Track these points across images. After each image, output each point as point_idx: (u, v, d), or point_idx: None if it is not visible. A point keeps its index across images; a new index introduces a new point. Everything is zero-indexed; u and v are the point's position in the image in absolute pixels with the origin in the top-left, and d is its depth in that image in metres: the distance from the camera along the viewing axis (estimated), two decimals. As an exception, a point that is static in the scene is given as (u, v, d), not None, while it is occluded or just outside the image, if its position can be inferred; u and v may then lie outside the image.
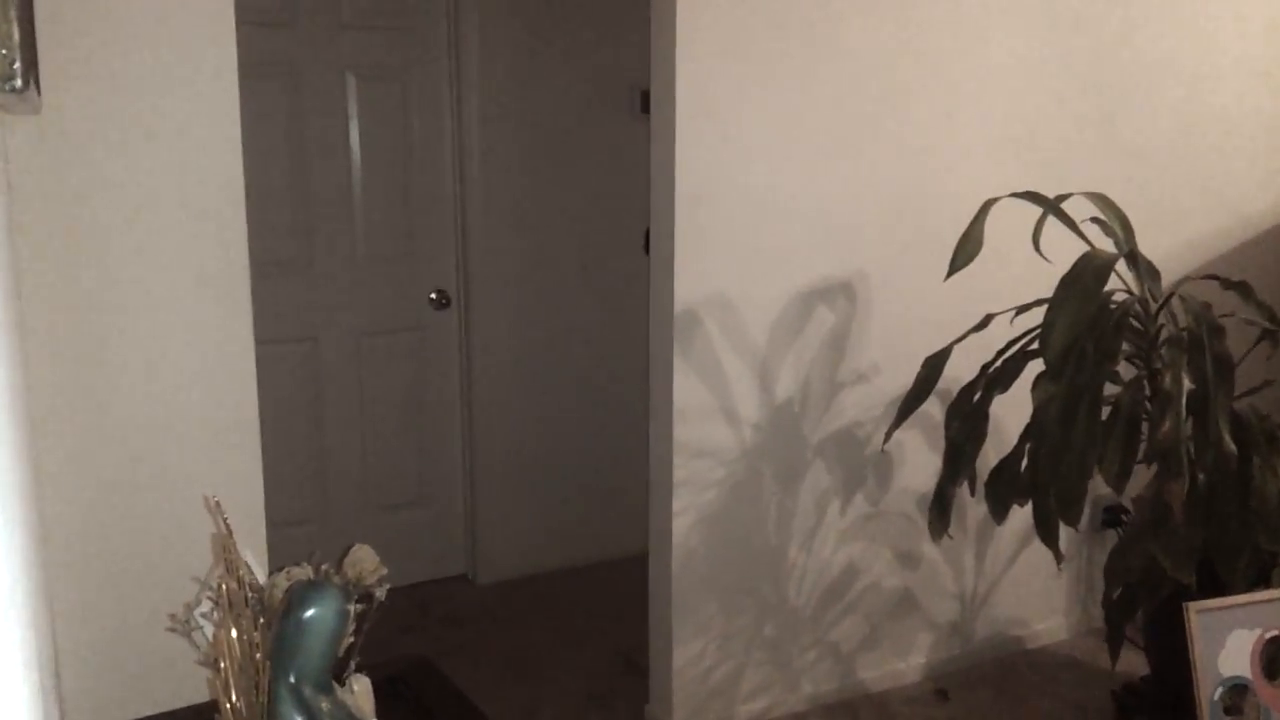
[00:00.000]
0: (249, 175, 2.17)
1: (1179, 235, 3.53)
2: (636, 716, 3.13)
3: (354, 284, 3.77)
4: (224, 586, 1.26)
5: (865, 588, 3.24)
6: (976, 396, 2.82)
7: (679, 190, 2.75)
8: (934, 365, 2.87)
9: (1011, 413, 2.89)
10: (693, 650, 3.00)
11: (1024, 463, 2.77)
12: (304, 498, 3.77)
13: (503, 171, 3.83)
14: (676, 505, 2.91)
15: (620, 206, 3.97)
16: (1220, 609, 2.52)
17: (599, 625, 3.71)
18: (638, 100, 3.89)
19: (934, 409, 3.01)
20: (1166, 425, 2.46)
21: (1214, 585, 2.60)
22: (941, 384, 2.86)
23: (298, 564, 1.38)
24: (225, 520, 1.33)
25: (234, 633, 1.25)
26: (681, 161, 2.74)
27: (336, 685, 1.31)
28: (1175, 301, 2.72)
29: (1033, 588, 3.54)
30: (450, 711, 1.75)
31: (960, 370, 2.86)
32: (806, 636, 3.17)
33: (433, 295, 3.90)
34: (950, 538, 3.04)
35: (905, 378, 2.92)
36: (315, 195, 3.66)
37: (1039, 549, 2.88)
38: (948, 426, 2.87)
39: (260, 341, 2.25)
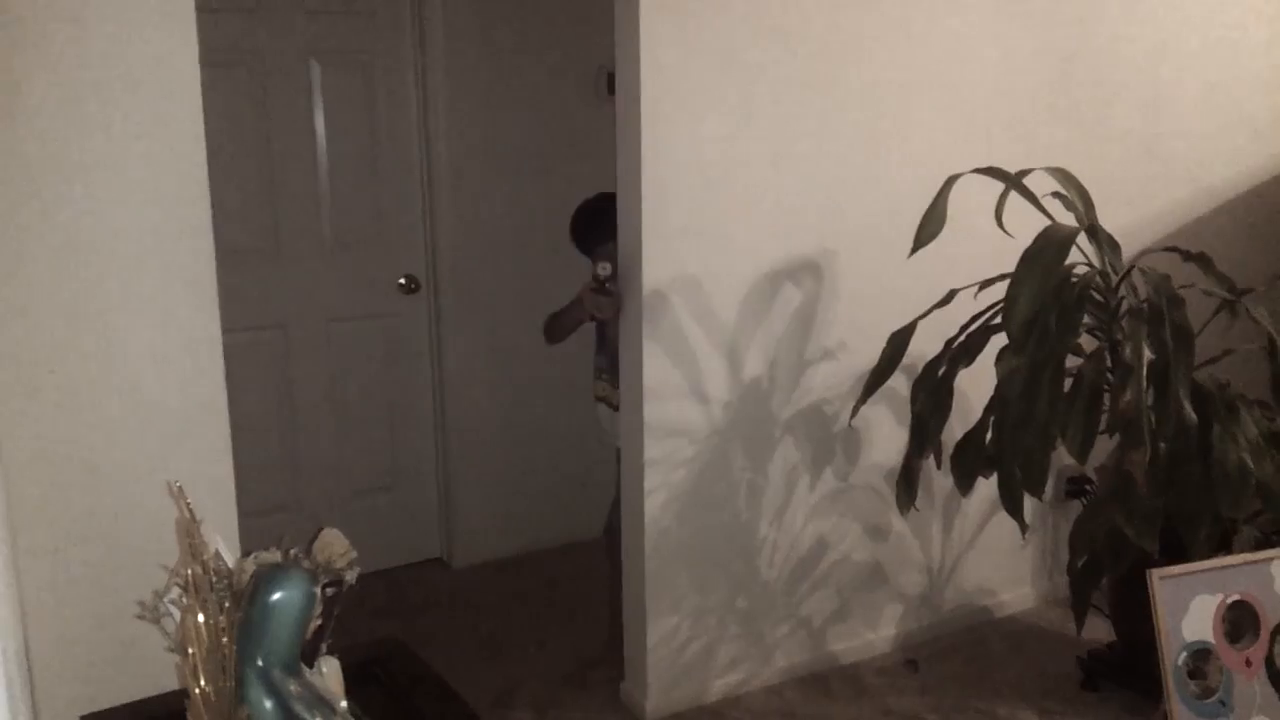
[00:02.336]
0: (213, 163, 2.17)
1: (1139, 208, 3.56)
2: (612, 695, 3.16)
3: (322, 270, 3.76)
4: (189, 572, 1.27)
5: (835, 561, 3.27)
6: (941, 371, 2.86)
7: (645, 171, 2.75)
8: (899, 341, 2.90)
9: (976, 386, 2.93)
10: (666, 627, 3.03)
11: (988, 435, 2.81)
12: (276, 485, 3.77)
13: (470, 154, 3.82)
14: (648, 484, 2.93)
15: (589, 187, 3.96)
16: (1183, 575, 2.56)
17: (574, 606, 3.73)
18: (604, 82, 3.88)
19: (900, 384, 3.05)
20: (1128, 396, 2.50)
21: (1177, 552, 2.65)
22: (907, 359, 2.90)
23: (266, 549, 1.39)
24: (188, 505, 1.34)
25: (200, 618, 1.26)
26: (647, 142, 2.74)
27: (306, 668, 1.32)
28: (1135, 274, 2.76)
29: (999, 558, 3.59)
30: (425, 694, 1.77)
31: (925, 345, 2.90)
32: (778, 610, 3.21)
33: (401, 280, 3.90)
34: (917, 510, 3.08)
35: (871, 354, 2.95)
36: (281, 182, 3.64)
37: (1005, 520, 2.93)
38: (913, 401, 2.91)
39: (228, 329, 2.25)
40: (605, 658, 3.27)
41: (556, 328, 3.22)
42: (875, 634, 3.40)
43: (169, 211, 2.12)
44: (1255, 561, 2.61)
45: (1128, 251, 2.96)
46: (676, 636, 3.05)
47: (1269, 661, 2.58)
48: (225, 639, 1.27)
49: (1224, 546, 2.72)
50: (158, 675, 1.90)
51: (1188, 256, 2.88)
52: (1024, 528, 2.84)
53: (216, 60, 3.24)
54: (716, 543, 3.07)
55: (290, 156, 3.64)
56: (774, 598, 3.19)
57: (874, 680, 3.25)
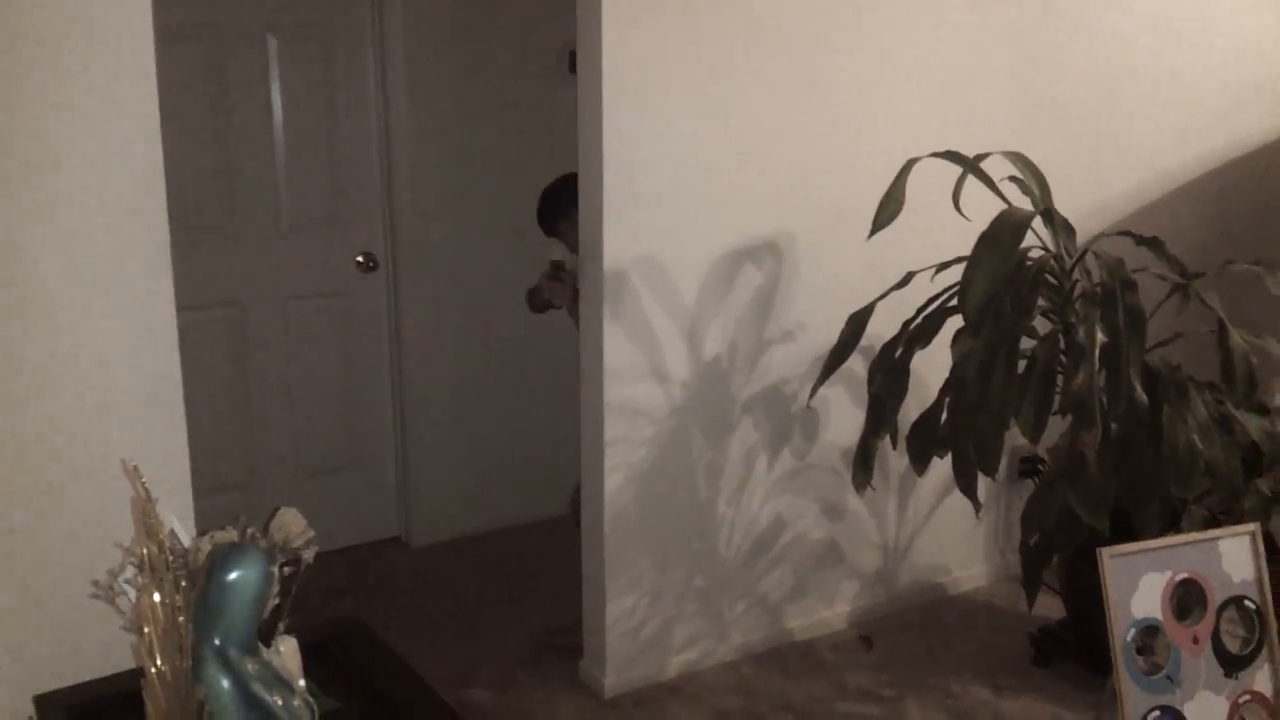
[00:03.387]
0: (168, 138, 2.14)
1: (1094, 193, 3.61)
2: (571, 673, 3.17)
3: (279, 248, 3.72)
4: (145, 551, 1.27)
5: (792, 540, 3.30)
6: (898, 352, 2.89)
7: (606, 151, 2.75)
8: (857, 322, 2.92)
9: (932, 368, 2.96)
10: (625, 605, 3.05)
11: (944, 416, 2.84)
12: (233, 465, 3.74)
13: (430, 132, 3.79)
14: (608, 464, 2.94)
15: (550, 167, 3.95)
16: (1132, 554, 2.61)
17: (533, 585, 3.74)
18: (566, 60, 3.87)
19: (858, 365, 3.07)
20: (1080, 377, 2.53)
21: (1126, 531, 2.70)
22: (865, 341, 2.92)
23: (222, 528, 1.38)
24: (144, 484, 1.33)
25: (157, 597, 1.25)
26: (609, 122, 2.74)
27: (263, 647, 1.32)
28: (1089, 257, 2.79)
29: (953, 536, 3.64)
30: (384, 673, 1.77)
31: (883, 327, 2.92)
32: (736, 588, 3.23)
33: (360, 259, 3.87)
34: (873, 489, 3.11)
35: (830, 335, 2.97)
36: (237, 158, 3.60)
37: (959, 499, 2.97)
38: (870, 382, 2.93)
39: (183, 308, 2.23)
40: (575, 632, 3.26)
41: (531, 304, 3.39)
42: (831, 611, 3.44)
43: (123, 187, 2.09)
44: (1203, 540, 2.66)
45: (1082, 235, 3.00)
46: (635, 615, 3.07)
47: (1215, 638, 2.63)
48: (182, 618, 1.27)
49: (1173, 526, 2.77)
50: (113, 655, 1.89)
51: (1141, 241, 2.92)
52: (977, 507, 2.88)
53: (172, 33, 3.19)
54: (675, 522, 3.08)
55: (247, 132, 3.60)
56: (732, 576, 3.22)
57: (829, 656, 3.29)
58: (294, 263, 3.76)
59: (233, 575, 1.22)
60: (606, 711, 3.00)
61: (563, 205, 3.05)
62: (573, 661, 3.18)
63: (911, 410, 2.97)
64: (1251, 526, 2.68)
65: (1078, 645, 3.16)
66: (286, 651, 1.41)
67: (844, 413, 3.27)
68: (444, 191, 3.86)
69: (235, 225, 3.63)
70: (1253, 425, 2.75)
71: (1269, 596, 2.65)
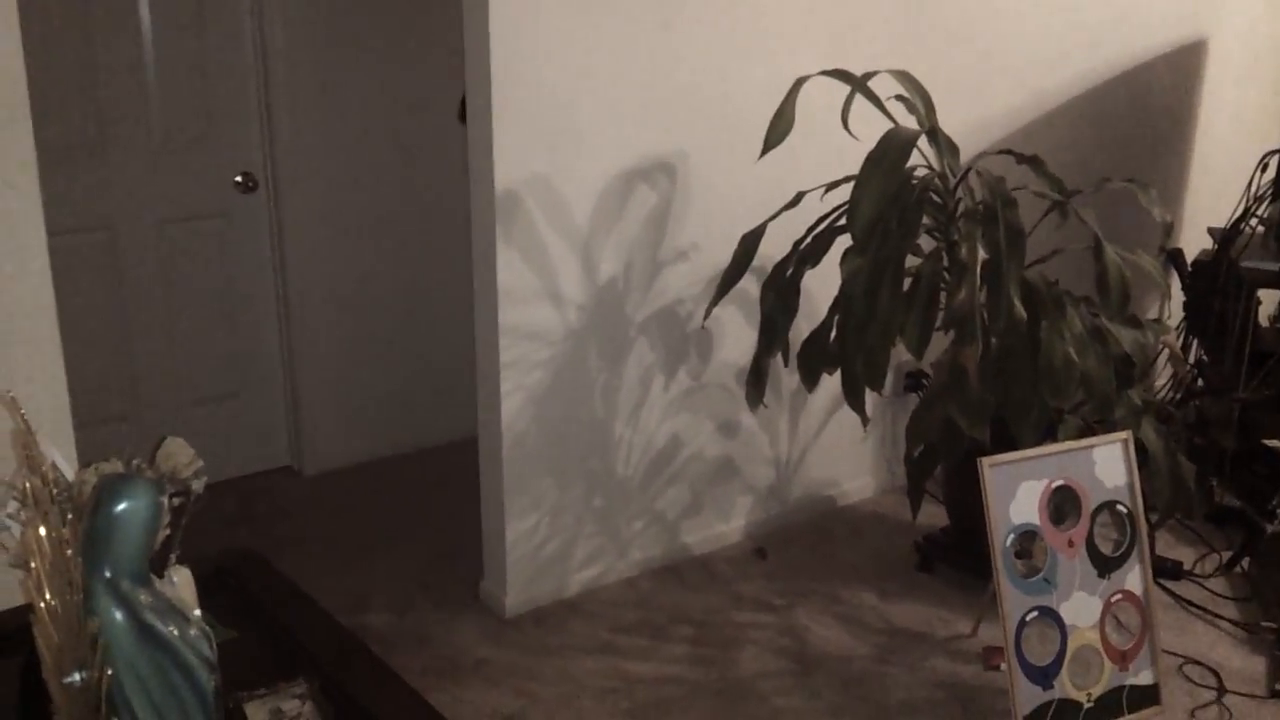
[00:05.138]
0: (29, 53, 2.02)
1: (977, 111, 3.67)
2: (471, 595, 3.19)
3: (151, 168, 3.57)
4: (27, 484, 1.23)
5: (688, 457, 3.35)
6: (789, 272, 2.92)
7: (495, 67, 2.69)
8: (750, 242, 2.95)
9: (822, 286, 3.01)
10: (525, 526, 3.07)
11: (833, 333, 2.90)
12: (114, 395, 3.62)
13: (308, 44, 3.65)
14: (504, 387, 2.93)
15: (437, 80, 3.86)
16: (1011, 463, 2.72)
17: (430, 509, 3.73)
18: (450, -27, 3.76)
19: (751, 285, 3.10)
20: (962, 294, 2.61)
21: (1006, 441, 2.81)
22: (757, 261, 2.95)
23: (107, 459, 1.34)
24: (23, 416, 1.28)
25: (42, 531, 1.22)
26: (496, 37, 2.67)
27: (156, 578, 1.29)
28: (972, 176, 2.86)
29: (842, 450, 3.73)
30: (279, 601, 1.75)
31: (774, 247, 2.95)
32: (634, 506, 3.28)
33: (238, 178, 3.73)
34: (766, 407, 3.17)
35: (723, 255, 2.99)
36: (104, 73, 3.42)
37: (847, 414, 3.05)
38: (763, 301, 2.97)
39: (52, 233, 2.13)
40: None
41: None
42: (726, 525, 3.51)
43: (-18, 105, 1.98)
44: (1078, 449, 2.78)
45: (965, 154, 3.05)
46: (535, 535, 3.10)
47: (1089, 541, 2.77)
48: (70, 551, 1.23)
49: (1050, 435, 2.89)
50: (-4, 592, 1.84)
51: (1021, 159, 2.99)
52: (865, 421, 2.96)
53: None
54: (573, 443, 3.10)
55: (112, 44, 3.41)
56: (630, 494, 3.26)
57: (724, 569, 3.37)
58: (168, 184, 3.61)
59: (120, 506, 1.19)
60: (507, 630, 3.03)
61: None
62: (472, 582, 3.20)
63: (802, 329, 3.02)
64: (1124, 435, 2.81)
65: (960, 551, 3.29)
66: (180, 582, 1.38)
67: (737, 332, 3.31)
68: (326, 106, 3.73)
69: (104, 145, 3.46)
70: (1125, 338, 2.86)
71: (1140, 501, 2.80)
